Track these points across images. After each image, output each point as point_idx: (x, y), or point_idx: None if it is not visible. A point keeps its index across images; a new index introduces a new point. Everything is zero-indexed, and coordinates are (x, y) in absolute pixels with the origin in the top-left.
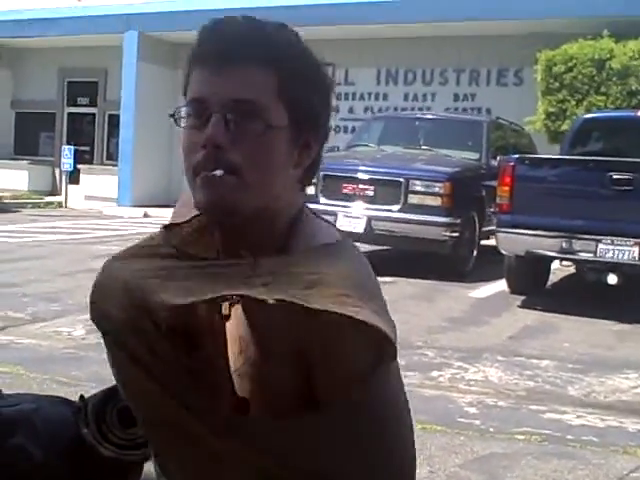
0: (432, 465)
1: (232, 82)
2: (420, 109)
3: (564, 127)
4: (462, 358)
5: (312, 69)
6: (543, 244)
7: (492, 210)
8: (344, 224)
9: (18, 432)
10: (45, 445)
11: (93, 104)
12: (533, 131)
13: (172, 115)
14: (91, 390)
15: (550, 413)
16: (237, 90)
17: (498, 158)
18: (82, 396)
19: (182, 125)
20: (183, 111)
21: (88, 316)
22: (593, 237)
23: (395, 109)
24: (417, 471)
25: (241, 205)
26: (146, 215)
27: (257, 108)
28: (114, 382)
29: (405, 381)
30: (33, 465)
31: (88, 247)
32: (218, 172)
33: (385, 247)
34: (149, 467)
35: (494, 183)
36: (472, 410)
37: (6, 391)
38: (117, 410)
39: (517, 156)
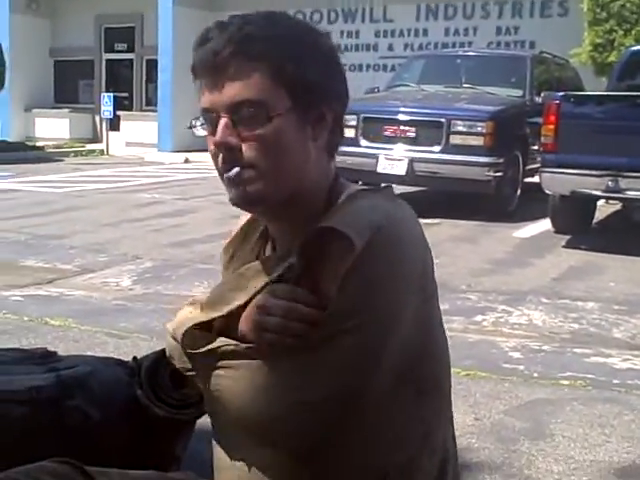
0: (477, 412)
1: (230, 87)
2: (462, 44)
3: (611, 59)
4: (506, 301)
5: (303, 45)
6: (589, 183)
7: (536, 148)
8: (385, 167)
9: (76, 394)
10: (102, 406)
11: (130, 50)
12: (579, 64)
13: (190, 127)
14: (140, 342)
15: (595, 357)
16: (235, 93)
17: (542, 94)
18: (135, 357)
19: (200, 134)
20: (200, 121)
21: (134, 266)
22: None
23: (436, 45)
24: (462, 419)
25: (265, 193)
26: (187, 161)
27: (257, 103)
28: (163, 337)
29: (449, 326)
30: (91, 425)
31: (132, 195)
32: (234, 171)
33: (428, 189)
34: (200, 424)
35: (538, 120)
36: (516, 355)
37: (59, 345)
38: (170, 371)
39: (562, 94)
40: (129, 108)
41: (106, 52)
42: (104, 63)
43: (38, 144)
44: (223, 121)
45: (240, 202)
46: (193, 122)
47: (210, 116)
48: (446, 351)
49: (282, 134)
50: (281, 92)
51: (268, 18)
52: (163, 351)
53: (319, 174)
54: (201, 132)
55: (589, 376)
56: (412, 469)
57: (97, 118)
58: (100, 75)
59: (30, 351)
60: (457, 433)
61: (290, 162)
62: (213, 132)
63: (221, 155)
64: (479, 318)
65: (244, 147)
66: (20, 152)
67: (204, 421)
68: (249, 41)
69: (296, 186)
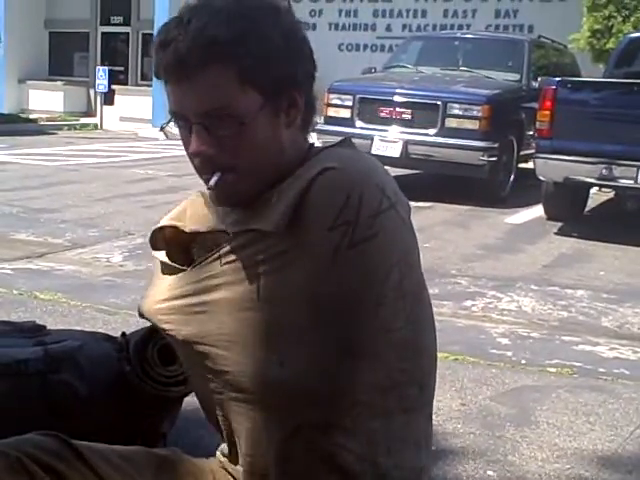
0: (463, 397)
1: (198, 94)
2: (460, 27)
3: (609, 45)
4: (496, 287)
5: (269, 39)
6: (582, 170)
7: (531, 133)
8: (380, 148)
9: (64, 368)
10: (89, 381)
11: (127, 23)
12: (576, 50)
13: (162, 129)
14: (130, 319)
15: (583, 345)
16: (205, 101)
17: (539, 79)
18: (124, 333)
19: (172, 136)
20: (172, 122)
21: (125, 242)
22: (634, 163)
23: (434, 27)
24: (449, 404)
25: (247, 191)
26: None
27: (227, 109)
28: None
29: (438, 311)
30: (78, 400)
31: (124, 171)
32: (214, 179)
33: (421, 172)
34: (187, 402)
35: (534, 105)
36: (504, 341)
37: (48, 319)
38: (158, 348)
39: (559, 79)
40: (124, 82)
41: (102, 25)
42: (100, 36)
43: (32, 116)
44: (196, 129)
45: (223, 204)
46: (164, 125)
47: (181, 120)
48: None
49: (257, 133)
50: (252, 93)
51: (219, 15)
52: (152, 328)
53: (294, 155)
54: (174, 131)
55: (576, 364)
56: None
57: (92, 92)
58: (95, 48)
59: (19, 324)
60: (443, 418)
61: (268, 156)
62: (186, 135)
63: (197, 159)
64: (468, 303)
65: (221, 152)
66: (13, 124)
67: (191, 399)
68: (213, 44)
69: (274, 175)
